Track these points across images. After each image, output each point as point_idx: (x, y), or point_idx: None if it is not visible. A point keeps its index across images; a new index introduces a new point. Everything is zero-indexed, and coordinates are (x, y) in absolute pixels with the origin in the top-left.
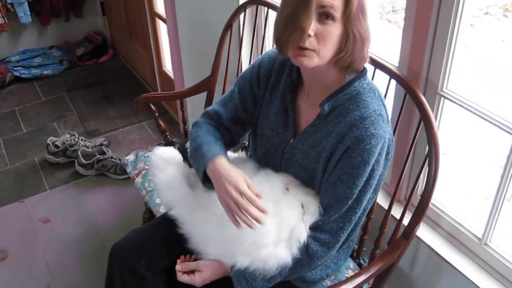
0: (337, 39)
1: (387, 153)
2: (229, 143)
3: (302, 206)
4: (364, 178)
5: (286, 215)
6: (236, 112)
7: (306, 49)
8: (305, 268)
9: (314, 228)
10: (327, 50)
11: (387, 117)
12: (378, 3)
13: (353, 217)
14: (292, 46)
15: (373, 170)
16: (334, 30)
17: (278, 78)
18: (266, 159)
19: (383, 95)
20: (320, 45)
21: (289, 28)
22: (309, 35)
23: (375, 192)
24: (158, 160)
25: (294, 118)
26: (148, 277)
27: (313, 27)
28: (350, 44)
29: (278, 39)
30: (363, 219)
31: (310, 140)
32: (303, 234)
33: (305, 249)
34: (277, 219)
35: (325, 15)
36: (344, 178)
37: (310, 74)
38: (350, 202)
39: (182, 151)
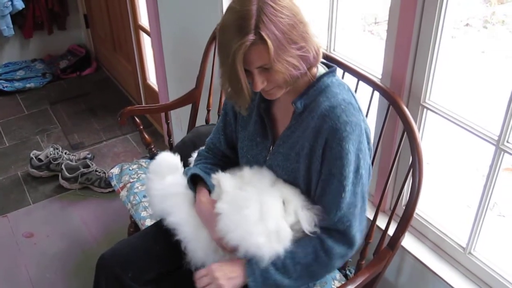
0: (285, 71)
1: (368, 142)
2: (232, 166)
3: (284, 203)
4: (352, 168)
5: (270, 204)
6: (227, 134)
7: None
8: (323, 267)
9: (325, 228)
10: (284, 82)
11: (359, 107)
12: (360, 15)
13: (355, 212)
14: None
15: (358, 159)
16: (277, 69)
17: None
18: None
19: (365, 108)
20: (276, 83)
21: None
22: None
23: (368, 184)
24: (162, 164)
25: (271, 126)
26: None
27: (259, 82)
28: (297, 66)
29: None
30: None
31: (288, 142)
32: (286, 230)
33: (323, 248)
34: (263, 207)
35: (262, 68)
36: (333, 170)
37: None
38: (347, 197)
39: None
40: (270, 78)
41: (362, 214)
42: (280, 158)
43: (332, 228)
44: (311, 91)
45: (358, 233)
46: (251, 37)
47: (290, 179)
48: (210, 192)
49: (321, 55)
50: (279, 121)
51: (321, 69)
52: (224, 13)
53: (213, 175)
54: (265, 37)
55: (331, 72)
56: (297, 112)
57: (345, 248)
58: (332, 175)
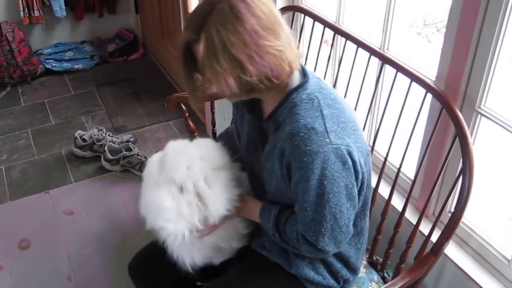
0: (214, 82)
1: (344, 163)
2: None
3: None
4: (313, 193)
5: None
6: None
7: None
8: (289, 244)
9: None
10: (221, 88)
11: (326, 128)
12: (409, 16)
13: (322, 229)
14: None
15: (322, 185)
16: (207, 76)
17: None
18: (249, 181)
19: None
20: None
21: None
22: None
23: (352, 200)
24: None
25: (259, 137)
26: None
27: (205, 80)
28: (228, 84)
29: None
30: (363, 231)
31: (271, 158)
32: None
33: (297, 236)
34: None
35: None
36: (294, 192)
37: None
38: (310, 216)
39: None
40: (205, 80)
41: (336, 232)
42: (266, 173)
43: (303, 235)
44: (281, 109)
45: (328, 247)
46: (193, 36)
47: (279, 195)
48: None
49: (278, 83)
50: (268, 133)
51: (295, 81)
52: None
53: None
54: (202, 40)
55: (301, 86)
56: (270, 130)
57: (314, 251)
58: (296, 194)
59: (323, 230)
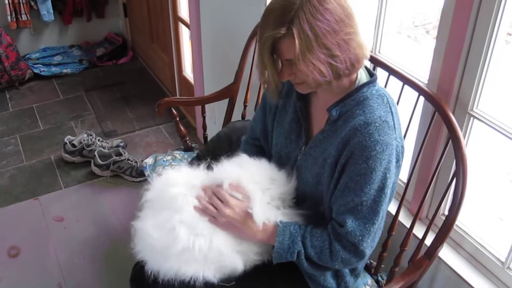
0: (309, 73)
1: (397, 160)
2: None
3: None
4: (375, 186)
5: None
6: (264, 123)
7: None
8: (322, 260)
9: (337, 238)
10: (310, 80)
11: (394, 124)
12: (398, 18)
13: (372, 229)
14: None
15: (385, 178)
16: (300, 68)
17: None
18: (279, 166)
19: (409, 114)
20: (302, 80)
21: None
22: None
23: (390, 201)
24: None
25: (306, 126)
26: None
27: (285, 74)
28: (322, 72)
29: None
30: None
31: (320, 147)
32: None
33: (329, 248)
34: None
35: (291, 61)
36: (351, 185)
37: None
38: (364, 212)
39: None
40: (297, 73)
41: (378, 232)
42: (310, 160)
43: (343, 236)
44: (348, 101)
45: (368, 249)
46: (283, 31)
47: (314, 182)
48: None
49: (358, 68)
50: (314, 123)
51: (362, 76)
52: None
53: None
54: (295, 34)
55: (371, 82)
56: (331, 119)
57: (351, 256)
58: (350, 188)
59: (372, 229)
